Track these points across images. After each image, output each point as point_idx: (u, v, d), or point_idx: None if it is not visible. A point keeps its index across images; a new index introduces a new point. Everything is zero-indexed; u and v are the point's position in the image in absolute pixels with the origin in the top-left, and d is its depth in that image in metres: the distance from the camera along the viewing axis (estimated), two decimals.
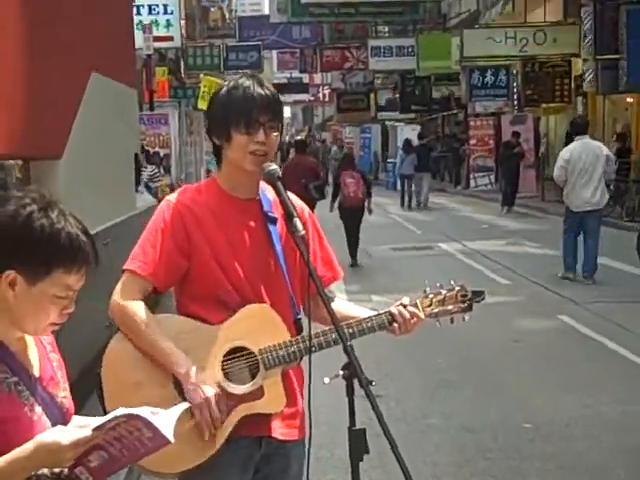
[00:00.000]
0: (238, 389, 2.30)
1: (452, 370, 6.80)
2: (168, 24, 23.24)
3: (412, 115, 34.19)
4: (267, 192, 2.46)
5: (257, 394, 2.31)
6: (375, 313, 2.46)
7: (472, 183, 26.42)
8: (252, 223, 2.41)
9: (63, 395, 1.90)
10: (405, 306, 2.45)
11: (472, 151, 26.49)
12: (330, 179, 13.27)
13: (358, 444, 2.14)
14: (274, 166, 2.36)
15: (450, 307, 2.51)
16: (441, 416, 5.63)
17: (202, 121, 16.30)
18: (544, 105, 24.12)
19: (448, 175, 30.79)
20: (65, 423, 1.83)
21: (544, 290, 9.99)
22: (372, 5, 28.71)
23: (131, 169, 7.64)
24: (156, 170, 11.61)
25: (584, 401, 5.88)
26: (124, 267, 2.38)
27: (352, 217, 12.00)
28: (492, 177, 26.02)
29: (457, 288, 2.53)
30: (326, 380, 2.25)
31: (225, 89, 2.42)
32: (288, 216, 2.29)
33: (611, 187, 10.99)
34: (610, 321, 8.18)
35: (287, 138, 16.31)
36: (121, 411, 1.70)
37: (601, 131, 23.59)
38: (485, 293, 2.57)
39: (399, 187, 23.99)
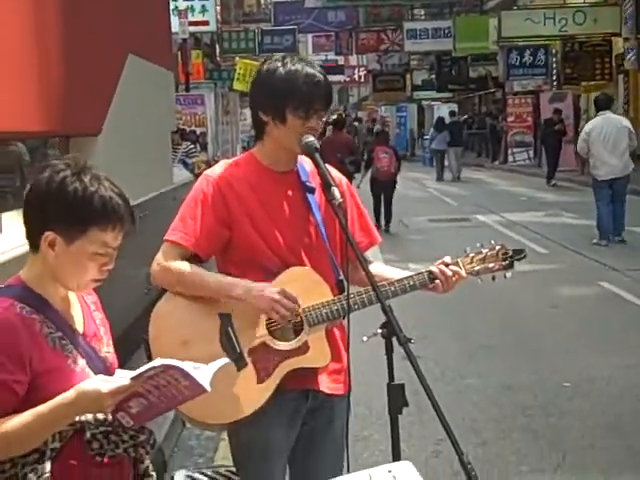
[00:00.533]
0: (283, 345, 2.34)
1: (490, 333, 6.78)
2: (203, 9, 23.46)
3: (448, 94, 34.00)
4: (305, 164, 2.49)
5: (302, 350, 2.35)
6: (416, 272, 2.47)
7: (510, 158, 26.30)
8: (290, 192, 2.44)
9: (107, 350, 2.01)
10: (447, 264, 2.46)
11: (510, 128, 26.35)
12: (365, 155, 13.46)
13: (397, 398, 2.16)
14: (312, 138, 2.37)
15: (491, 265, 2.52)
16: (479, 376, 5.62)
17: (238, 102, 16.38)
18: (584, 83, 23.87)
19: (485, 151, 30.64)
20: (109, 375, 1.92)
21: (583, 258, 9.90)
22: None
23: (168, 146, 7.86)
24: (192, 146, 11.72)
25: (624, 362, 5.83)
26: (165, 238, 2.42)
27: (385, 189, 12.70)
28: (531, 152, 25.86)
29: (498, 247, 2.54)
30: (364, 338, 2.27)
31: (282, 69, 2.39)
32: (326, 185, 2.30)
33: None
34: None
35: (334, 116, 16.46)
36: (159, 361, 1.78)
37: None
38: (526, 251, 2.58)
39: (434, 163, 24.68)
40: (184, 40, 18.31)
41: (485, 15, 28.59)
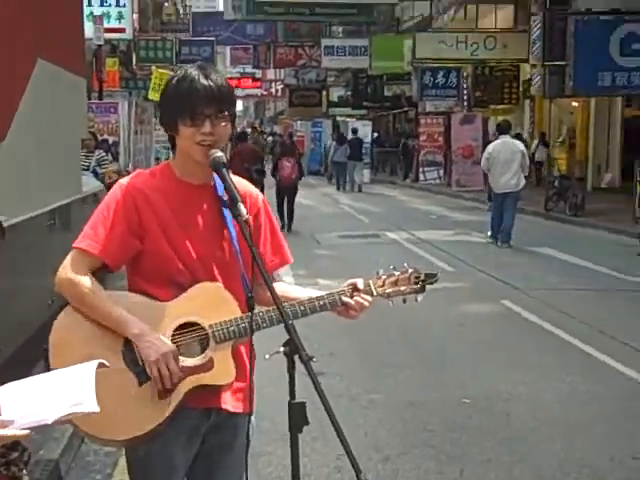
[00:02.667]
0: (188, 361, 2.32)
1: (395, 351, 6.88)
2: (120, 16, 23.12)
3: (363, 111, 34.51)
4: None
5: (207, 366, 2.33)
6: (327, 292, 2.47)
7: (421, 177, 26.88)
8: (205, 206, 2.42)
9: None
10: (358, 289, 2.47)
11: (422, 147, 26.94)
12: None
13: (297, 416, 2.18)
14: (219, 153, 2.35)
15: (403, 288, 2.52)
16: (383, 393, 5.69)
17: (152, 111, 16.23)
18: (493, 106, 24.66)
19: (398, 169, 31.29)
20: None
21: (488, 277, 10.19)
22: (327, 6, 28.91)
23: (78, 154, 7.73)
24: (104, 155, 11.50)
25: (524, 379, 6.01)
26: (74, 245, 2.37)
27: (288, 194, 15.07)
28: (441, 171, 26.53)
29: (410, 270, 2.54)
30: (267, 356, 2.28)
31: (175, 80, 2.40)
32: (232, 201, 2.29)
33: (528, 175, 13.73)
34: (552, 307, 8.37)
35: (238, 129, 16.65)
36: (45, 416, 1.72)
37: (547, 131, 24.20)
38: (438, 275, 2.57)
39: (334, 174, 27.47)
40: (99, 46, 17.99)
41: (401, 36, 29.19)
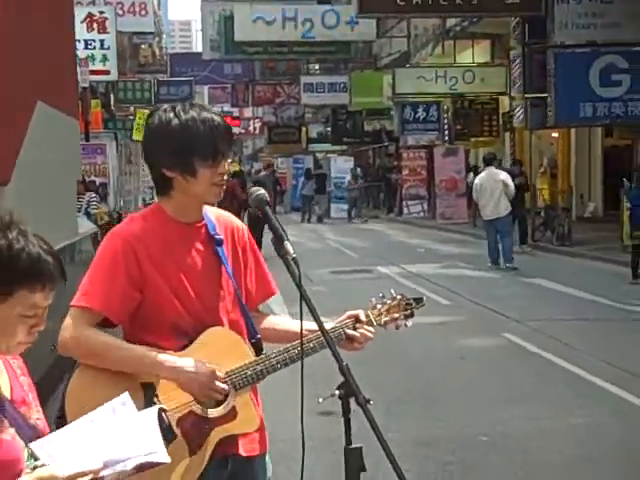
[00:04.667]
0: (214, 412, 2.26)
1: (402, 386, 6.81)
2: (104, 58, 23.23)
3: (343, 147, 34.76)
4: (209, 213, 2.42)
5: (231, 415, 2.28)
6: (331, 328, 2.43)
7: (405, 210, 26.98)
8: (200, 246, 2.36)
9: (37, 417, 1.87)
10: (361, 321, 2.46)
11: (405, 181, 27.08)
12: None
13: (354, 462, 2.11)
14: (262, 191, 2.30)
15: (396, 315, 2.55)
16: (397, 431, 5.61)
17: (139, 152, 16.27)
18: (473, 139, 24.93)
19: (381, 203, 31.52)
20: None
21: (484, 309, 10.17)
22: (305, 44, 29.23)
23: (73, 196, 7.69)
24: (94, 196, 11.49)
25: (536, 414, 5.95)
26: (73, 304, 2.28)
27: (258, 224, 15.46)
28: (425, 205, 26.64)
29: (399, 297, 2.58)
30: (320, 400, 2.22)
31: (177, 120, 2.29)
32: (279, 239, 2.21)
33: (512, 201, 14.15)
34: (553, 338, 8.36)
35: None
36: (130, 463, 1.70)
37: (528, 163, 24.47)
38: (425, 299, 2.63)
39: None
40: (84, 89, 18.00)
41: (379, 72, 29.53)
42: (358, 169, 29.80)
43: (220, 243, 2.38)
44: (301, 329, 2.30)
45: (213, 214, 2.42)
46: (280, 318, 2.61)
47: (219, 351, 2.29)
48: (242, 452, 2.36)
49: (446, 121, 25.60)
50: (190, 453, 2.22)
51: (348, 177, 28.91)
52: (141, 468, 1.73)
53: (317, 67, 36.71)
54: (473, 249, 16.86)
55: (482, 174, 14.27)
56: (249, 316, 2.40)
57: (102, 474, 1.68)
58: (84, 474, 1.67)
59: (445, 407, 6.21)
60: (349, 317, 2.47)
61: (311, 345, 2.36)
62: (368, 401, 2.09)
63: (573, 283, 11.85)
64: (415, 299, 2.61)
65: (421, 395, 6.53)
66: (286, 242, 2.21)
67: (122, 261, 2.27)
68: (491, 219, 13.85)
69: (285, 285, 2.57)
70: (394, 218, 27.41)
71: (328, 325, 2.39)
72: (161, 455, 1.74)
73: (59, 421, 2.19)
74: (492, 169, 14.21)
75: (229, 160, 2.37)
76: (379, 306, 2.52)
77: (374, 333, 2.48)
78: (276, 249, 2.25)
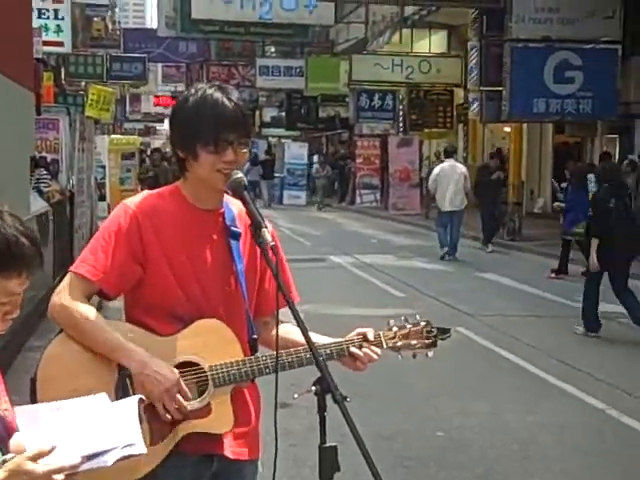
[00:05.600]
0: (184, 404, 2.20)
1: (360, 381, 6.79)
2: (58, 29, 22.54)
3: (297, 133, 34.61)
4: (231, 205, 2.35)
5: (204, 412, 2.21)
6: (335, 342, 2.38)
7: (358, 200, 26.98)
8: (214, 236, 2.30)
9: (5, 407, 1.82)
10: (369, 341, 2.38)
11: (358, 169, 27.08)
12: None
13: (328, 461, 2.07)
14: (239, 174, 2.23)
15: (414, 342, 2.44)
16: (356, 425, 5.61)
17: (93, 128, 15.87)
18: (427, 130, 25.04)
19: (333, 191, 31.53)
20: (8, 436, 1.76)
21: (438, 302, 10.24)
22: (262, 26, 28.95)
23: (27, 173, 7.45)
24: (45, 173, 11.17)
25: (492, 409, 6.04)
26: (72, 269, 2.24)
27: None
28: (377, 194, 26.66)
29: (423, 324, 2.46)
30: (295, 395, 2.20)
31: (192, 100, 2.25)
32: (256, 225, 2.16)
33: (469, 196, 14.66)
34: (504, 333, 8.48)
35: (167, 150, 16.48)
36: (108, 459, 1.69)
37: (480, 155, 24.72)
38: (451, 331, 2.49)
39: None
40: (37, 60, 17.44)
41: (336, 57, 29.44)
42: (318, 156, 29.73)
43: (236, 236, 2.31)
44: (276, 319, 2.27)
45: (237, 207, 2.34)
46: (294, 328, 2.44)
47: (209, 344, 2.23)
48: (228, 454, 2.30)
49: (401, 110, 25.67)
50: (151, 443, 2.14)
51: (316, 165, 28.74)
52: (119, 461, 1.72)
53: (273, 50, 36.44)
54: (425, 241, 16.97)
55: (444, 164, 14.60)
56: (250, 318, 2.33)
57: (81, 469, 1.66)
58: (63, 469, 1.63)
59: (402, 401, 6.24)
60: (358, 334, 2.40)
61: (307, 355, 2.27)
62: (345, 398, 2.04)
63: (524, 278, 12.05)
64: (440, 329, 2.47)
65: (378, 390, 6.53)
66: (264, 229, 2.16)
67: (125, 235, 2.22)
68: (448, 210, 14.10)
69: None
70: (347, 207, 27.37)
71: (331, 339, 2.37)
72: (139, 447, 1.73)
73: (31, 380, 2.18)
74: (453, 161, 14.62)
75: (244, 150, 2.26)
76: (395, 329, 2.42)
77: (380, 355, 2.38)
78: (253, 236, 2.19)
